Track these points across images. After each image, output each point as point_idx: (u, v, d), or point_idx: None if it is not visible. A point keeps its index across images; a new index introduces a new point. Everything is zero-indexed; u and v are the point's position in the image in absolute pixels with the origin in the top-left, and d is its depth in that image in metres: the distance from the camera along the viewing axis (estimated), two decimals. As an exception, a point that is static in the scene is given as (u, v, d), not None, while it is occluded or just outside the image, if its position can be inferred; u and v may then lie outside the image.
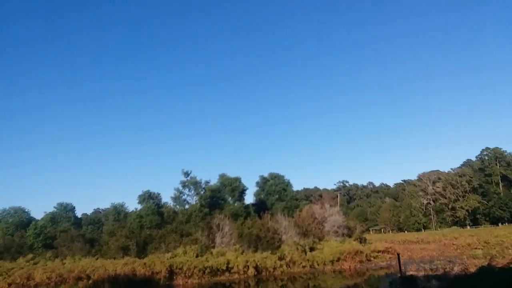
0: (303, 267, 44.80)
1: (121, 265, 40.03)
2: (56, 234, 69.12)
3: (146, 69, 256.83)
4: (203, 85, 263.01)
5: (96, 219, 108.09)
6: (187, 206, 69.66)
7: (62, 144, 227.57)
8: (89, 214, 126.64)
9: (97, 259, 47.21)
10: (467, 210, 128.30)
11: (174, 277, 39.82)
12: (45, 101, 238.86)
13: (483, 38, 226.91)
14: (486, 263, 16.37)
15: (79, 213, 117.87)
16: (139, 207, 72.16)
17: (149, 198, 72.51)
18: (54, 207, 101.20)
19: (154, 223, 63.47)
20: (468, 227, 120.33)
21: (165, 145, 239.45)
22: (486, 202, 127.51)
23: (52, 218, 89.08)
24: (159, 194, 74.96)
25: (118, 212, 76.30)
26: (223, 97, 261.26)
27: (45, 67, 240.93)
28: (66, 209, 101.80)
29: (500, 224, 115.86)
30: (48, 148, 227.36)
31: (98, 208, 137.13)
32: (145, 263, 40.30)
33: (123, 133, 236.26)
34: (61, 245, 56.92)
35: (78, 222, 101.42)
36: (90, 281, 37.89)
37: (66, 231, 68.89)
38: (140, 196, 72.91)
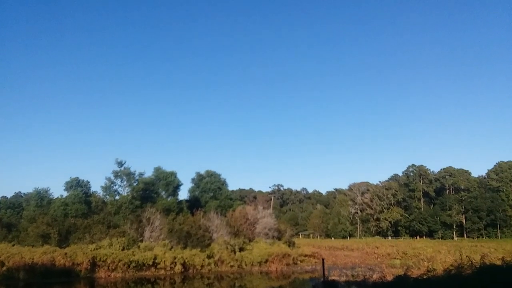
0: (231, 266, 44.98)
1: (40, 254, 37.88)
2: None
3: (87, 54, 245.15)
4: (144, 76, 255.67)
5: (17, 203, 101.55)
6: (117, 197, 67.21)
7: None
8: (9, 198, 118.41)
9: (13, 245, 44.29)
10: (390, 222, 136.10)
11: (97, 270, 38.32)
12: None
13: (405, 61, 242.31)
14: (403, 272, 17.35)
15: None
16: (65, 194, 68.46)
17: (77, 185, 69.00)
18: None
19: (80, 212, 60.55)
20: (390, 237, 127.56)
21: (99, 132, 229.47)
22: (407, 216, 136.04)
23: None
24: (88, 182, 71.57)
25: (41, 197, 71.70)
26: (164, 91, 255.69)
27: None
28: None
29: (418, 237, 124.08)
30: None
31: (20, 192, 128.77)
32: (66, 253, 38.39)
33: (54, 114, 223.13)
34: (-27, 228, 52.57)
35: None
36: (4, 268, 35.55)
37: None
38: (67, 183, 69.15)
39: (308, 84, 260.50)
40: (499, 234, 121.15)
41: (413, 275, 15.87)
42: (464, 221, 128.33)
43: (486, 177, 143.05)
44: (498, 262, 15.55)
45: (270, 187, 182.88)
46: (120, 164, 67.93)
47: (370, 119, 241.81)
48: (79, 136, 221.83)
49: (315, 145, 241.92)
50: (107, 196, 68.44)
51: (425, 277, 13.44)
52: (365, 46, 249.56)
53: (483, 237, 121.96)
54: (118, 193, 68.31)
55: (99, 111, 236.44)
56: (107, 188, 68.18)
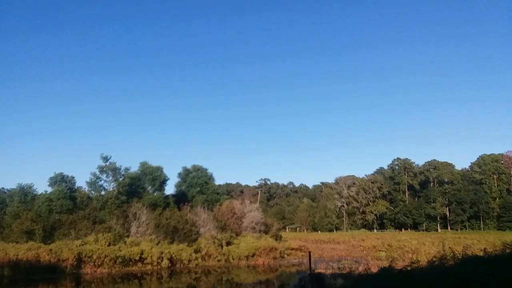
0: (218, 260, 45.09)
1: (24, 250, 37.50)
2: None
3: (71, 49, 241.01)
4: (129, 71, 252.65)
5: (0, 199, 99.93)
6: (103, 192, 66.60)
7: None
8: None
9: (-3, 242, 43.87)
10: (375, 215, 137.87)
11: (82, 266, 38.05)
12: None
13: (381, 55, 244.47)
14: (388, 264, 17.63)
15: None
16: (49, 189, 67.52)
17: (61, 181, 68.06)
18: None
19: (65, 208, 59.79)
20: (375, 230, 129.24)
21: (84, 127, 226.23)
22: (393, 208, 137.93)
23: None
24: (73, 177, 70.60)
25: (25, 193, 70.51)
26: (149, 86, 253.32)
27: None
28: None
29: (403, 230, 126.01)
30: None
31: (3, 188, 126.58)
32: (51, 250, 38.04)
33: (37, 110, 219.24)
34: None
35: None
36: (-13, 265, 34.98)
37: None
38: (51, 179, 68.18)
39: (294, 80, 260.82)
40: (482, 226, 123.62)
41: (397, 267, 16.14)
42: (448, 213, 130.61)
43: (469, 170, 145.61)
44: (481, 253, 15.90)
45: (257, 181, 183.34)
46: (106, 159, 67.32)
47: (356, 113, 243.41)
48: (63, 131, 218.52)
49: (301, 139, 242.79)
50: (93, 192, 67.74)
51: (409, 268, 13.68)
52: (350, 41, 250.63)
53: (466, 229, 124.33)
54: (104, 188, 67.71)
55: (83, 106, 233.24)
56: (92, 184, 67.50)
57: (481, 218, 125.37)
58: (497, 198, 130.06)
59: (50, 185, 67.80)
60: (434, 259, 16.78)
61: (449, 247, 23.15)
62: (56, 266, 36.73)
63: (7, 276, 34.84)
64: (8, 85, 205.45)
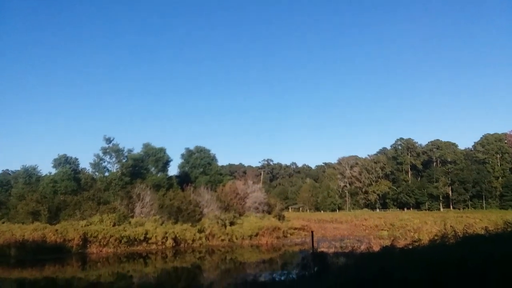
0: (222, 240, 45.61)
1: (30, 231, 38.07)
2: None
3: (73, 30, 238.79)
4: (132, 52, 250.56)
5: (5, 181, 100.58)
6: (107, 174, 67.12)
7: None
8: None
9: (3, 223, 44.54)
10: (378, 194, 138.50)
11: (88, 246, 38.63)
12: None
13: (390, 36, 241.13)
14: (389, 243, 17.80)
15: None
16: (53, 171, 68.10)
17: (65, 162, 68.56)
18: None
19: (69, 189, 60.41)
20: (378, 210, 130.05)
21: (87, 108, 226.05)
22: (395, 188, 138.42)
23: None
24: (77, 159, 71.17)
25: (29, 175, 71.21)
26: (151, 67, 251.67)
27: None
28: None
29: (405, 209, 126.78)
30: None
31: (7, 170, 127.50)
32: (56, 230, 38.57)
33: (40, 91, 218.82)
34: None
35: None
36: (-5, 245, 35.57)
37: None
38: (55, 160, 68.69)
39: (297, 59, 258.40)
40: (484, 205, 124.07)
41: (399, 245, 16.28)
42: (450, 192, 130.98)
43: (472, 149, 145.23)
44: (482, 232, 16.00)
45: (259, 162, 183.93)
46: (109, 140, 67.62)
47: (359, 94, 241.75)
48: (67, 113, 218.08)
49: (304, 119, 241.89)
50: (96, 173, 68.30)
51: (410, 247, 13.81)
52: (352, 20, 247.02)
53: (468, 208, 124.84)
54: (108, 169, 68.23)
55: (86, 87, 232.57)
56: (96, 165, 68.00)
57: (484, 197, 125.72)
58: (500, 178, 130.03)
59: (54, 166, 68.36)
60: (436, 238, 16.91)
61: (450, 226, 23.25)
62: (62, 246, 37.28)
63: (13, 256, 35.45)
64: (11, 66, 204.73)
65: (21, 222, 43.10)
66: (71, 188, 61.33)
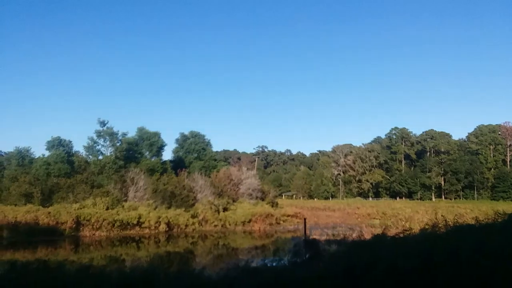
0: (215, 226, 45.79)
1: (23, 213, 37.91)
2: None
3: (69, 16, 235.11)
4: (127, 36, 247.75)
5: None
6: (100, 157, 66.91)
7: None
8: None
9: (-4, 204, 44.29)
10: (371, 183, 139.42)
11: (81, 229, 38.61)
12: None
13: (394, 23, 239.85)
14: (381, 231, 17.93)
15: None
16: (47, 153, 67.77)
17: (59, 145, 68.23)
18: None
19: (62, 172, 60.22)
20: (371, 198, 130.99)
21: (81, 90, 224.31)
22: (388, 177, 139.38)
23: None
24: (70, 141, 70.86)
25: (22, 156, 70.81)
26: (147, 51, 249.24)
27: None
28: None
29: (398, 198, 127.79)
30: None
31: (0, 151, 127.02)
32: (49, 212, 38.44)
33: (34, 73, 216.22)
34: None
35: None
36: (-14, 227, 35.45)
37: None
38: (49, 142, 68.35)
39: (294, 46, 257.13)
40: (476, 196, 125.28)
41: (390, 234, 16.39)
42: (442, 182, 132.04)
43: (466, 140, 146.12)
44: (472, 222, 16.14)
45: (254, 149, 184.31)
46: (103, 123, 67.25)
47: (354, 82, 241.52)
48: (61, 95, 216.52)
49: (299, 107, 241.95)
50: (90, 156, 68.04)
51: (401, 235, 13.90)
52: (346, 10, 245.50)
53: (460, 198, 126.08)
54: (101, 153, 68.04)
55: (81, 70, 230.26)
56: (89, 148, 67.72)
57: (476, 188, 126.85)
58: (492, 169, 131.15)
59: (48, 149, 68.05)
60: (427, 227, 17.05)
61: (441, 216, 23.46)
62: (55, 228, 37.23)
63: (6, 238, 35.38)
64: (4, 48, 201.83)
65: (14, 204, 42.94)
66: (65, 170, 61.11)
